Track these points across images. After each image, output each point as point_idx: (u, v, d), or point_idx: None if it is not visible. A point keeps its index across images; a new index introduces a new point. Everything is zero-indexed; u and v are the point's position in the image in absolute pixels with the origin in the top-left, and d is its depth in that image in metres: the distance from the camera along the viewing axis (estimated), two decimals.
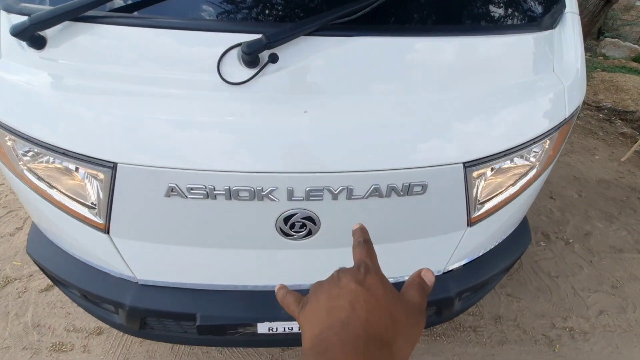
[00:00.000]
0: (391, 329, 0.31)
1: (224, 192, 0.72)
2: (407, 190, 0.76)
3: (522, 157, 0.88)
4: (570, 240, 2.21)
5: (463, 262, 1.00)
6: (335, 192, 0.74)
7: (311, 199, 0.74)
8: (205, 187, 0.72)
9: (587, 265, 2.03)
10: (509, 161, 0.87)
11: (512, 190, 0.93)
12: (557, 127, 0.87)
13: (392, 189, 0.75)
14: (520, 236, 1.13)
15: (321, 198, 0.74)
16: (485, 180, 0.86)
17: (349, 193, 0.74)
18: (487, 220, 0.94)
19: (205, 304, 0.88)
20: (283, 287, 0.42)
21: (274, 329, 0.89)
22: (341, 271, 0.36)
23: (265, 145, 0.71)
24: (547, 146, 0.92)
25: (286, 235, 0.81)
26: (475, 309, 1.73)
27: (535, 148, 0.89)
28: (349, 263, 0.39)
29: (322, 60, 0.75)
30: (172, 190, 0.72)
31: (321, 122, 0.72)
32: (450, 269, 0.98)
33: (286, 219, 0.78)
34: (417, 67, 0.78)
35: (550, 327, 1.68)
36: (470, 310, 1.71)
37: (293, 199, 0.74)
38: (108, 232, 0.84)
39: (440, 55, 0.79)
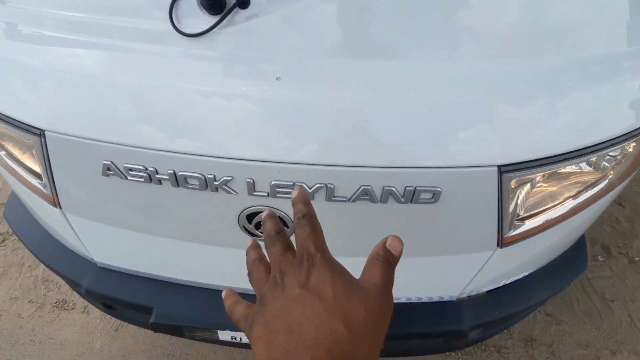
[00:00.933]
0: (347, 338, 0.26)
1: (168, 177, 0.56)
2: (412, 196, 0.55)
3: (590, 163, 0.62)
4: (636, 259, 1.83)
5: (487, 289, 0.78)
6: (310, 191, 0.55)
7: (278, 196, 0.56)
8: (146, 169, 0.56)
9: None
10: (571, 167, 0.62)
11: (570, 205, 0.68)
12: None
13: (389, 193, 0.55)
14: (571, 260, 0.87)
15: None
16: (531, 188, 0.63)
17: (329, 193, 0.55)
18: (528, 241, 0.70)
19: (163, 298, 0.76)
20: (231, 293, 0.36)
21: (238, 339, 0.76)
22: (283, 270, 0.31)
23: (218, 122, 0.53)
24: (630, 149, 0.64)
25: (253, 234, 0.65)
26: None
27: (613, 151, 0.62)
28: None
29: (311, 7, 0.54)
30: (108, 169, 0.58)
31: (296, 94, 0.52)
32: (468, 295, 0.77)
33: (250, 216, 0.61)
34: (450, 19, 0.54)
35: None
36: None
37: (255, 193, 0.56)
38: (60, 207, 0.73)
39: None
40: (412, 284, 0.74)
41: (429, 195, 0.56)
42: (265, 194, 0.56)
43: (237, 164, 0.53)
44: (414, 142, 0.53)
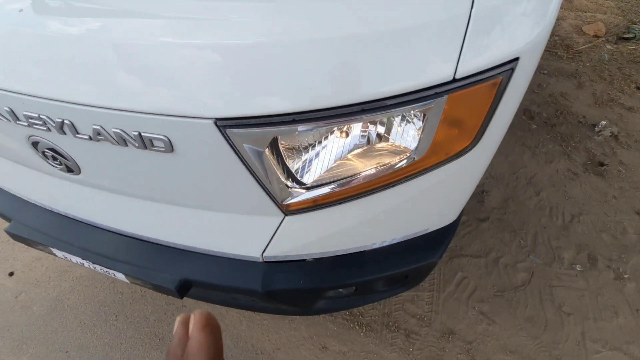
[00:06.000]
0: None
1: None
2: (143, 142, 0.55)
3: (344, 131, 0.55)
4: (626, 276, 1.58)
5: (295, 256, 0.75)
6: (54, 125, 0.58)
7: (36, 127, 0.60)
8: None
9: (629, 313, 1.44)
10: (336, 134, 0.56)
11: (363, 179, 0.62)
12: (424, 96, 0.50)
13: (122, 137, 0.55)
14: (419, 247, 0.80)
15: (46, 128, 0.59)
16: (292, 152, 0.58)
17: (73, 129, 0.57)
18: (326, 213, 0.66)
19: (18, 210, 0.87)
20: (181, 328, 0.37)
21: (69, 259, 0.85)
22: None
23: None
24: (419, 127, 0.55)
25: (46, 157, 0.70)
26: (428, 313, 1.42)
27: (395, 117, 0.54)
28: None
29: None
30: None
31: (34, 26, 0.53)
32: (275, 259, 0.75)
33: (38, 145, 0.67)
34: None
35: None
36: (419, 313, 1.41)
37: (18, 122, 0.61)
38: None
39: None
40: (210, 236, 0.74)
41: (160, 144, 0.55)
42: (25, 124, 0.60)
43: None
44: (138, 85, 0.52)
